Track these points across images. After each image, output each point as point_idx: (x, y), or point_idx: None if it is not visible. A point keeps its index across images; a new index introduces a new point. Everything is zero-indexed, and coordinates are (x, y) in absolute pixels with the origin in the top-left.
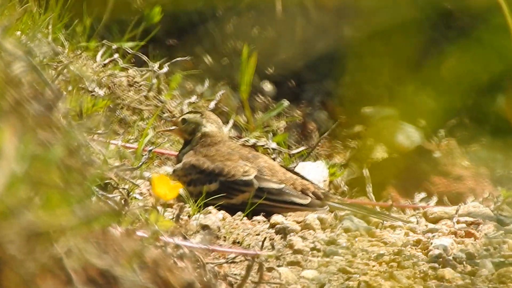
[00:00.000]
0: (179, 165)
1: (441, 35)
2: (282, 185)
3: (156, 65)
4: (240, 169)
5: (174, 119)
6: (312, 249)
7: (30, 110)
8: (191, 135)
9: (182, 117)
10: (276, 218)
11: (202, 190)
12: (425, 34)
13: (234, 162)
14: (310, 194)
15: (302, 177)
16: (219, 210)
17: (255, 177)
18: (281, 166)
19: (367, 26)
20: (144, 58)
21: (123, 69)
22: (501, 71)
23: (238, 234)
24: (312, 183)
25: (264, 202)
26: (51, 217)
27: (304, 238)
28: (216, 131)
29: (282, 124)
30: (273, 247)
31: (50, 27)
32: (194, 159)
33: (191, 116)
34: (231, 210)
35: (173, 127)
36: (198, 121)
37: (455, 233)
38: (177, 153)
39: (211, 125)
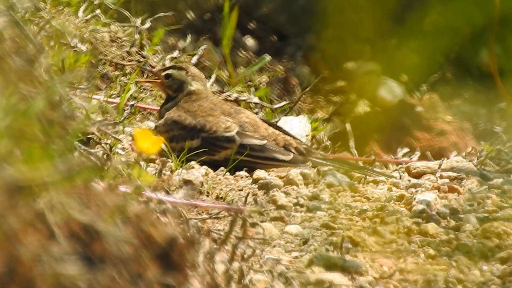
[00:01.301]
0: (161, 121)
1: None
2: (264, 141)
3: (138, 21)
4: (222, 125)
5: (155, 70)
6: (295, 204)
7: (12, 64)
8: (175, 92)
9: (166, 72)
10: (259, 173)
11: (184, 146)
12: None
13: (216, 117)
14: (293, 150)
15: (285, 132)
16: (202, 165)
17: (237, 133)
18: (264, 121)
19: None
20: (126, 13)
21: (105, 25)
22: (483, 24)
23: (221, 189)
24: (294, 138)
25: (247, 159)
26: (33, 171)
27: (287, 194)
28: (202, 89)
29: (264, 78)
30: (256, 203)
31: None
32: (176, 114)
33: (175, 72)
34: (214, 166)
35: (156, 80)
36: (184, 79)
37: (438, 188)
38: (159, 108)
39: (196, 83)
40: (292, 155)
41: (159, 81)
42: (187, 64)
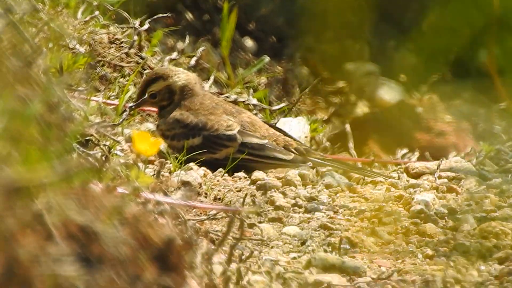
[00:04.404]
0: (163, 120)
1: None
2: (265, 141)
3: (137, 22)
4: (223, 123)
5: (135, 105)
6: (294, 205)
7: (9, 66)
8: (170, 98)
9: (150, 92)
10: (257, 174)
11: (186, 144)
12: None
13: (218, 116)
14: (293, 150)
15: (285, 133)
16: (200, 166)
17: (238, 131)
18: (264, 122)
19: None
20: (125, 15)
21: (104, 26)
22: (482, 25)
23: (219, 190)
24: (294, 139)
25: (248, 158)
26: (31, 173)
27: (285, 195)
28: (190, 77)
29: (263, 80)
30: (254, 204)
31: None
32: (178, 113)
33: (156, 86)
34: (214, 165)
35: (150, 107)
36: (167, 84)
37: (436, 188)
38: (159, 110)
39: (178, 76)
40: (293, 155)
41: (154, 108)
42: (153, 69)
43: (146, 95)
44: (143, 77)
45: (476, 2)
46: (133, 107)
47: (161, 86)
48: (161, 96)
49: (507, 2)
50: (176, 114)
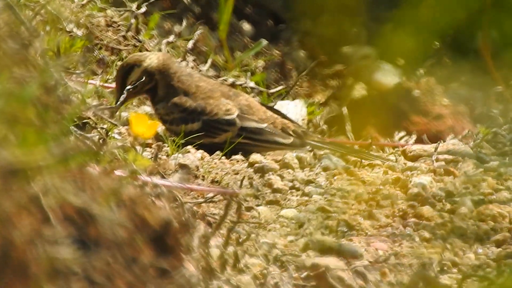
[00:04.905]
0: (162, 104)
1: None
2: (265, 124)
3: (134, 5)
4: (222, 107)
5: (126, 95)
6: (291, 188)
7: (6, 49)
8: (151, 81)
9: (128, 88)
10: (255, 157)
11: (185, 128)
12: None
13: (216, 100)
14: (291, 133)
15: (282, 116)
16: (198, 149)
17: (238, 116)
18: (262, 104)
19: None
20: None
21: (101, 10)
22: (479, 7)
23: (216, 173)
24: (292, 121)
25: (247, 142)
26: (27, 155)
27: (282, 177)
28: (160, 56)
29: (260, 63)
30: (251, 186)
31: None
32: (176, 97)
33: (134, 75)
34: (213, 148)
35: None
36: (143, 69)
37: (434, 171)
38: (149, 96)
39: (150, 58)
40: (292, 138)
41: (134, 95)
42: (122, 62)
43: (128, 87)
44: (116, 73)
45: None
46: (118, 105)
47: (138, 73)
48: (142, 83)
49: None
50: (174, 98)
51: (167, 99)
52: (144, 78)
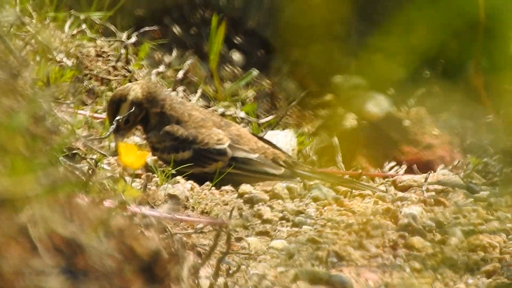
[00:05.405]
0: (153, 132)
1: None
2: (256, 155)
3: (124, 35)
4: (214, 137)
5: (120, 132)
6: (281, 218)
7: None
8: (141, 111)
9: (122, 120)
10: (245, 187)
11: (175, 157)
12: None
13: (208, 129)
14: (282, 163)
15: (273, 146)
16: (187, 180)
17: (229, 146)
18: (252, 134)
19: None
20: (112, 28)
21: (91, 40)
22: (470, 37)
23: (206, 204)
24: (282, 151)
25: (237, 172)
26: (16, 185)
27: (272, 208)
28: (144, 84)
29: (251, 93)
30: (241, 217)
31: None
32: (168, 126)
33: (122, 109)
34: (203, 178)
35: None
36: (130, 102)
37: (424, 202)
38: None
39: (133, 89)
40: (283, 169)
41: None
42: (109, 99)
43: (120, 124)
44: (107, 111)
45: (462, 13)
46: (116, 144)
47: (126, 107)
48: (133, 115)
49: (493, 10)
50: (166, 126)
51: (159, 127)
52: (134, 109)
